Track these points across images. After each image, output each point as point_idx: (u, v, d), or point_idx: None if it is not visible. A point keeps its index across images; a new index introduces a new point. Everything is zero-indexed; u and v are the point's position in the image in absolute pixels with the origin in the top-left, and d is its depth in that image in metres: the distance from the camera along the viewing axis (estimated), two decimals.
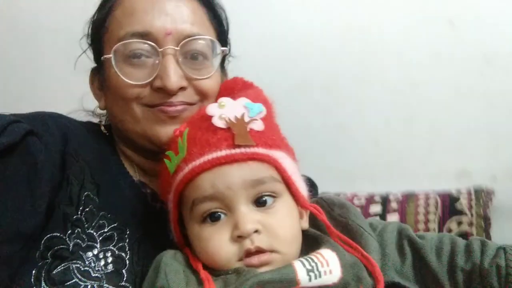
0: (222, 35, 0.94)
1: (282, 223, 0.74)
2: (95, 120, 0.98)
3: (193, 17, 0.87)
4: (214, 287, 0.69)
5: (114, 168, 0.90)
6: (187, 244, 0.79)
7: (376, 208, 1.31)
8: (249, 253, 0.71)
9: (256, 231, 0.71)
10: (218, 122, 0.75)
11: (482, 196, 1.27)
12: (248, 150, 0.74)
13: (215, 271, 0.73)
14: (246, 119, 0.76)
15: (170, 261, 0.74)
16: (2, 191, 0.74)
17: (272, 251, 0.72)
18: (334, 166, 1.46)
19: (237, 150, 0.73)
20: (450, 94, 1.39)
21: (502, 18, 1.34)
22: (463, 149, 1.38)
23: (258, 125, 0.76)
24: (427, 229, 1.23)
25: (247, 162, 0.73)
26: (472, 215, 1.22)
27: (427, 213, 1.25)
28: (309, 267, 0.70)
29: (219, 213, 0.73)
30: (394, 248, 0.80)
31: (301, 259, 0.72)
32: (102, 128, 0.94)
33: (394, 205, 1.30)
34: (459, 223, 1.21)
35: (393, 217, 1.27)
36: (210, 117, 0.76)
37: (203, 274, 0.71)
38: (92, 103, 0.97)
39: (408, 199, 1.31)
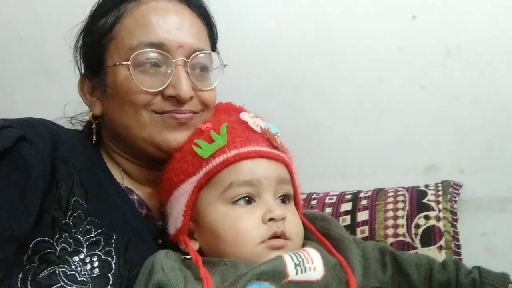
0: (214, 49, 1.04)
1: (296, 219, 0.86)
2: (78, 128, 1.03)
3: (199, 33, 0.96)
4: (211, 284, 0.73)
5: (101, 174, 0.94)
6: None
7: (347, 206, 1.32)
8: (275, 236, 0.80)
9: (282, 219, 0.82)
10: (255, 126, 0.88)
11: (449, 190, 1.29)
12: (281, 153, 0.87)
13: (212, 265, 0.79)
14: (273, 131, 0.90)
15: (164, 259, 0.80)
16: None
17: (288, 239, 0.82)
18: (306, 165, 1.44)
19: (275, 151, 0.86)
20: (416, 89, 1.40)
21: (464, 11, 1.35)
22: (431, 144, 1.39)
23: (279, 139, 0.91)
24: (396, 225, 1.24)
25: (279, 163, 0.86)
26: (439, 210, 1.23)
27: (395, 209, 1.26)
28: (297, 262, 0.77)
29: (251, 198, 0.83)
30: (375, 261, 0.87)
31: (290, 253, 0.79)
32: (94, 137, 0.97)
33: (364, 202, 1.32)
34: (427, 218, 1.22)
35: (363, 215, 1.28)
36: (245, 121, 0.88)
37: (202, 270, 0.76)
38: (72, 111, 1.02)
39: (377, 196, 1.32)
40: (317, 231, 0.89)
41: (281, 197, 0.86)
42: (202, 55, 0.94)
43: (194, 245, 0.85)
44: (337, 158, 1.48)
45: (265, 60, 1.50)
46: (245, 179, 0.82)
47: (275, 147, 0.87)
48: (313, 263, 0.78)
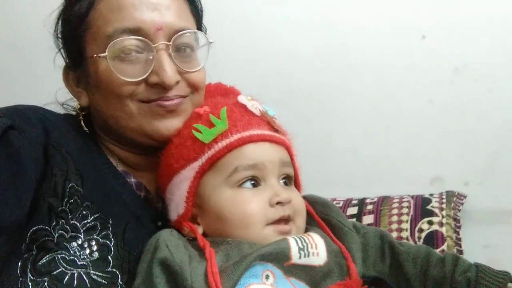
0: (200, 26, 0.97)
1: (301, 201, 0.86)
2: (71, 112, 0.97)
3: (179, 11, 0.88)
4: (215, 262, 0.74)
5: (97, 158, 0.90)
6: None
7: (352, 211, 1.36)
8: (281, 220, 0.80)
9: (289, 202, 0.81)
10: (253, 109, 0.86)
11: (453, 199, 1.32)
12: (281, 136, 0.87)
13: (215, 245, 0.78)
14: (270, 114, 0.88)
15: (169, 237, 0.79)
16: None
17: (293, 221, 0.82)
18: (316, 174, 1.49)
19: (276, 134, 0.86)
20: (424, 104, 1.45)
21: (471, 32, 1.42)
22: (437, 156, 1.43)
23: (277, 122, 0.89)
24: (400, 229, 1.27)
25: (280, 146, 0.85)
26: (443, 216, 1.26)
27: (400, 214, 1.29)
28: (301, 246, 0.77)
29: (257, 181, 0.82)
30: (375, 250, 0.87)
31: (295, 236, 0.79)
32: (83, 124, 0.93)
33: (369, 207, 1.35)
34: (430, 223, 1.25)
35: (368, 219, 1.32)
36: (243, 104, 0.86)
37: (208, 250, 0.76)
38: (63, 96, 0.96)
39: (383, 201, 1.36)
40: (318, 216, 0.88)
41: (284, 179, 0.86)
42: (185, 34, 0.87)
43: (198, 229, 0.84)
44: (345, 168, 1.52)
45: (280, 72, 1.57)
46: (250, 163, 0.81)
47: (275, 130, 0.86)
48: (316, 248, 0.78)
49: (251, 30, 1.57)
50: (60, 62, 0.94)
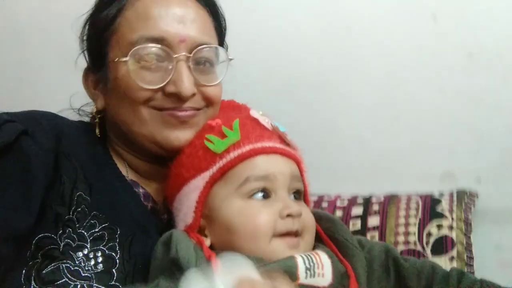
0: (222, 42, 1.00)
1: (311, 216, 0.86)
2: (85, 119, 1.00)
3: (203, 26, 0.91)
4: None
5: (107, 168, 0.92)
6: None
7: (358, 210, 1.30)
8: (288, 233, 0.80)
9: (299, 215, 0.82)
10: (265, 123, 0.88)
11: (464, 199, 1.25)
12: (292, 150, 0.88)
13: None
14: (281, 129, 0.89)
15: (181, 237, 0.80)
16: None
17: (302, 236, 0.82)
18: (319, 165, 1.43)
19: (287, 148, 0.87)
20: (434, 92, 1.35)
21: (486, 13, 1.30)
22: (448, 150, 1.35)
23: (289, 138, 0.90)
24: (407, 232, 1.22)
25: (291, 160, 0.86)
26: (452, 218, 1.20)
27: (407, 216, 1.24)
28: (308, 266, 0.77)
29: (267, 193, 0.83)
30: (380, 266, 0.85)
31: (302, 255, 0.78)
32: (97, 131, 0.95)
33: (375, 207, 1.29)
34: (439, 227, 1.19)
35: (374, 220, 1.26)
36: (255, 118, 0.88)
37: (214, 261, 0.75)
38: (78, 102, 1.00)
39: (389, 201, 1.29)
40: (324, 233, 0.88)
41: (294, 194, 0.86)
42: (206, 49, 0.90)
43: (206, 242, 0.84)
44: (351, 160, 1.44)
45: (282, 58, 1.47)
46: (261, 174, 0.82)
47: (287, 144, 0.87)
48: (323, 269, 0.78)
49: (252, 17, 1.46)
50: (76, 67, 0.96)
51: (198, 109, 0.90)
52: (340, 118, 1.46)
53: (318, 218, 0.90)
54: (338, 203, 1.34)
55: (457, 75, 1.33)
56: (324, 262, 0.78)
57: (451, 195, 1.26)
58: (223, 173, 0.83)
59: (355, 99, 1.44)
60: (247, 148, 0.83)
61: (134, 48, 0.85)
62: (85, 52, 0.96)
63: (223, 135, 0.85)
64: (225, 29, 1.01)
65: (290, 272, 0.74)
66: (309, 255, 0.78)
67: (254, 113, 0.90)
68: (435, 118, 1.36)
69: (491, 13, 1.29)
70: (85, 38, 0.96)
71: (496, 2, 1.29)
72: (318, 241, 0.87)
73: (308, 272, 0.76)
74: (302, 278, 0.75)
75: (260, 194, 0.82)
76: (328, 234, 0.88)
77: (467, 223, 1.19)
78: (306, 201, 0.91)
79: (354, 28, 1.42)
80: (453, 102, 1.34)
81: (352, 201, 1.34)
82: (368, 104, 1.43)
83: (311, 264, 0.77)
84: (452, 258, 1.15)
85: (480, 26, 1.30)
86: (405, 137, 1.39)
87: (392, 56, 1.39)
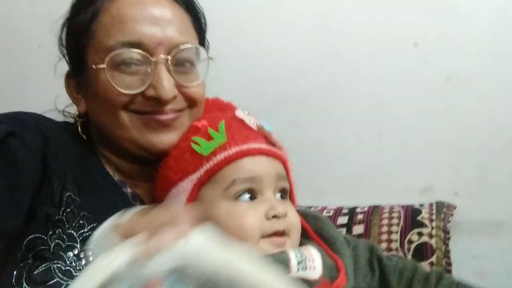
0: (202, 40, 0.97)
1: (296, 215, 0.86)
2: (70, 120, 0.98)
3: (181, 25, 0.88)
4: None
5: (95, 168, 0.91)
6: None
7: (343, 219, 1.36)
8: (276, 233, 0.81)
9: (285, 215, 0.82)
10: (251, 124, 0.87)
11: (443, 210, 1.32)
12: (278, 150, 0.88)
13: None
14: (267, 129, 0.89)
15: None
16: None
17: (288, 235, 0.82)
18: (306, 180, 1.48)
19: (273, 148, 0.87)
20: (415, 112, 1.45)
21: (463, 41, 1.41)
22: (427, 165, 1.43)
23: (274, 137, 0.90)
24: (389, 240, 1.27)
25: (277, 159, 0.86)
26: (432, 227, 1.26)
27: (390, 224, 1.30)
28: (300, 259, 0.78)
29: (253, 194, 0.83)
30: (365, 263, 0.88)
31: (295, 249, 0.80)
32: (80, 131, 0.93)
33: (360, 216, 1.35)
34: (420, 234, 1.25)
35: (358, 229, 1.32)
36: (241, 119, 0.88)
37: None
38: (63, 103, 0.98)
39: (373, 211, 1.36)
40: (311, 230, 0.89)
41: (280, 193, 0.87)
42: (185, 49, 0.87)
43: None
44: (336, 175, 1.51)
45: (271, 78, 1.55)
46: (248, 176, 0.82)
47: (272, 144, 0.88)
48: (313, 262, 0.79)
49: (243, 36, 1.55)
50: (60, 69, 0.95)
51: (180, 110, 0.88)
52: (326, 135, 1.53)
53: (305, 216, 0.91)
54: (325, 213, 1.39)
55: (436, 96, 1.44)
56: (314, 256, 0.80)
57: (431, 206, 1.33)
58: (210, 176, 0.83)
59: (341, 118, 1.52)
60: (233, 150, 0.83)
61: (111, 54, 0.83)
62: (65, 56, 0.94)
63: (209, 137, 0.85)
64: (205, 25, 0.97)
65: (283, 265, 0.75)
66: (299, 250, 0.80)
67: (239, 113, 0.90)
68: (416, 136, 1.45)
69: (467, 41, 1.41)
70: (63, 43, 0.94)
71: (472, 32, 1.41)
72: (305, 239, 0.88)
73: (300, 265, 0.77)
74: (294, 271, 0.76)
75: (246, 196, 0.82)
76: (316, 230, 0.88)
77: (446, 231, 1.26)
78: (292, 199, 0.92)
79: (341, 52, 1.52)
80: (432, 121, 1.43)
81: (338, 211, 1.39)
82: (354, 122, 1.52)
83: (303, 257, 0.78)
84: (432, 264, 1.20)
85: (457, 53, 1.42)
86: (388, 153, 1.47)
87: (376, 78, 1.49)
